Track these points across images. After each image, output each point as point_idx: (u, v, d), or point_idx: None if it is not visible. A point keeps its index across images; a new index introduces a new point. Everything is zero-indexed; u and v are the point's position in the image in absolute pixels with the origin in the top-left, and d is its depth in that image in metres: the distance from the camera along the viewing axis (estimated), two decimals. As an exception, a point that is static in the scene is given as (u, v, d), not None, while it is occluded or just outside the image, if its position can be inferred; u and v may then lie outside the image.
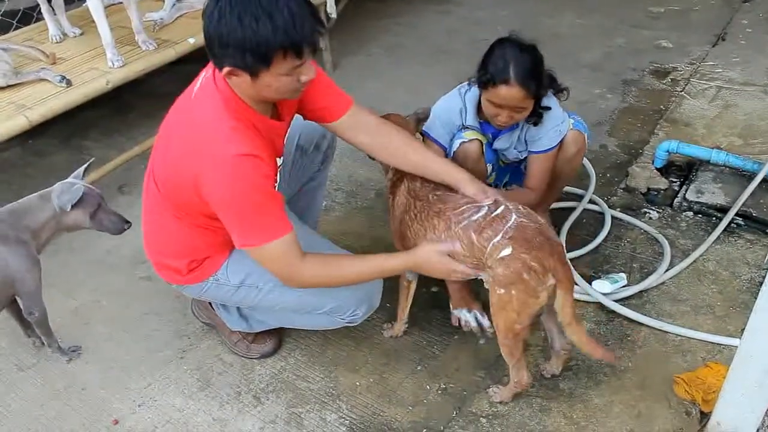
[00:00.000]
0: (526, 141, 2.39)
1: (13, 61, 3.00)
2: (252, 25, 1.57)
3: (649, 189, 3.00)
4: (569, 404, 2.07)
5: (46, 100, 2.78)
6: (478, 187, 1.97)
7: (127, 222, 2.25)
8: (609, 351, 1.93)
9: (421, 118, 2.34)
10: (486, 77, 2.15)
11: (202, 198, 1.75)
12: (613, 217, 2.80)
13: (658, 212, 2.85)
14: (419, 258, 1.91)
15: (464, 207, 1.93)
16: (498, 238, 1.85)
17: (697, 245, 2.61)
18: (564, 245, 2.59)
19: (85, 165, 2.30)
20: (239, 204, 1.72)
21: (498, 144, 2.42)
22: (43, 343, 2.35)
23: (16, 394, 2.27)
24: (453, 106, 2.38)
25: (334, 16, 3.95)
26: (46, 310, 2.25)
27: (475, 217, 1.90)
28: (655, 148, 3.11)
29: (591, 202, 2.90)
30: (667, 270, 2.50)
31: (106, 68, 3.00)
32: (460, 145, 2.35)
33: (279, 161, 1.93)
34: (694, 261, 2.54)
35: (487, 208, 1.91)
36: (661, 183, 3.01)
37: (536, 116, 2.29)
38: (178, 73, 4.09)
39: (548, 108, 2.29)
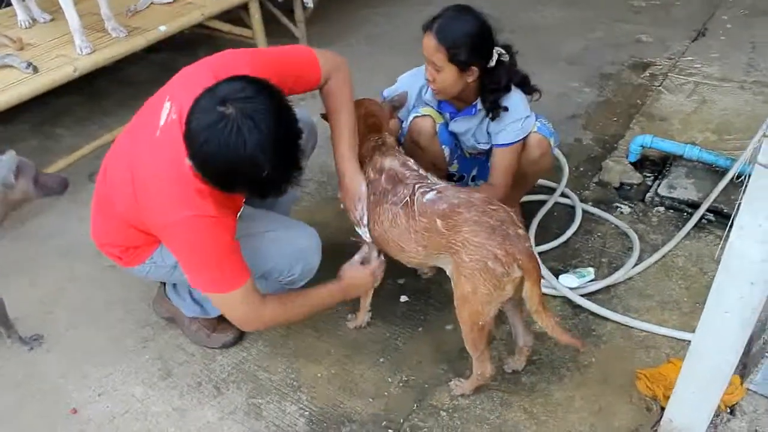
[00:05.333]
0: (488, 133, 2.37)
1: (-20, 46, 2.96)
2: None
3: (622, 183, 2.98)
4: (530, 398, 2.06)
5: (12, 87, 2.74)
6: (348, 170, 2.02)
7: (66, 178, 2.26)
8: (576, 337, 1.92)
9: (396, 105, 2.31)
10: (423, 27, 2.21)
11: (154, 235, 1.87)
12: (584, 211, 2.79)
13: (630, 207, 2.84)
14: (347, 284, 2.04)
15: (423, 190, 1.93)
16: (463, 223, 1.83)
17: (667, 241, 2.60)
18: (532, 237, 2.62)
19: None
20: (197, 261, 1.81)
21: (454, 126, 2.41)
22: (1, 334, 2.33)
23: (-25, 382, 2.24)
24: (414, 83, 2.41)
25: (310, 5, 3.92)
26: (3, 301, 2.22)
27: (437, 205, 1.89)
28: (630, 143, 3.09)
29: (563, 195, 2.89)
30: (635, 265, 2.49)
31: (74, 55, 2.95)
32: (413, 119, 2.35)
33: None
34: (663, 256, 2.53)
35: (443, 193, 1.91)
36: (635, 177, 3.00)
37: (491, 108, 2.29)
38: (153, 61, 4.08)
39: (504, 108, 2.29)
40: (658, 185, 2.90)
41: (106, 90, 3.92)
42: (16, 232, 2.88)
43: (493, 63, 2.21)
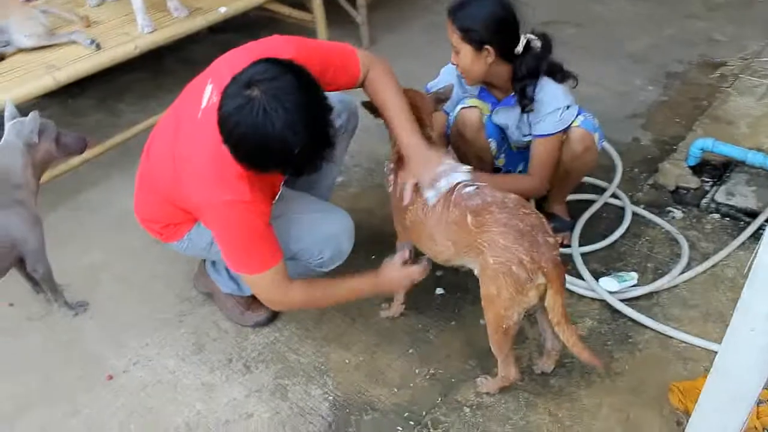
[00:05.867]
0: (529, 123, 2.32)
1: (50, 23, 3.08)
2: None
3: (678, 187, 2.87)
4: (556, 402, 2.01)
5: (75, 62, 2.84)
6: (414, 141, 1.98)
7: (85, 137, 2.36)
8: (596, 357, 1.86)
9: (442, 98, 2.29)
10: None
11: (191, 213, 1.96)
12: (634, 214, 2.70)
13: (683, 212, 2.73)
14: (381, 281, 2.01)
15: (460, 188, 1.91)
16: (493, 223, 1.81)
17: (719, 249, 2.49)
18: (576, 237, 2.55)
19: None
20: (230, 242, 1.87)
21: (496, 118, 2.37)
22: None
23: (24, 342, 2.36)
24: (452, 73, 2.39)
25: (372, -9, 3.90)
26: (50, 267, 2.31)
27: (471, 201, 1.87)
28: (690, 145, 2.96)
29: (613, 195, 2.80)
30: (682, 272, 2.39)
31: (136, 33, 3.04)
32: (460, 110, 2.33)
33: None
34: (713, 266, 2.42)
35: (480, 189, 1.89)
36: (692, 182, 2.88)
37: (520, 97, 2.26)
38: (216, 41, 4.16)
39: (531, 99, 2.25)
40: (716, 191, 2.77)
41: (169, 68, 4.03)
42: (73, 202, 3.00)
43: (520, 49, 2.19)
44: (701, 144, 2.89)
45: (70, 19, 3.18)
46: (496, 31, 2.16)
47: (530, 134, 2.35)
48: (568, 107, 2.27)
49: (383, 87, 2.05)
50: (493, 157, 2.50)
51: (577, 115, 2.31)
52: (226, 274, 2.29)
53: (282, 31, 2.00)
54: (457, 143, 2.43)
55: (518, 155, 2.54)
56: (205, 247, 2.10)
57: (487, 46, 2.16)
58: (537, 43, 2.24)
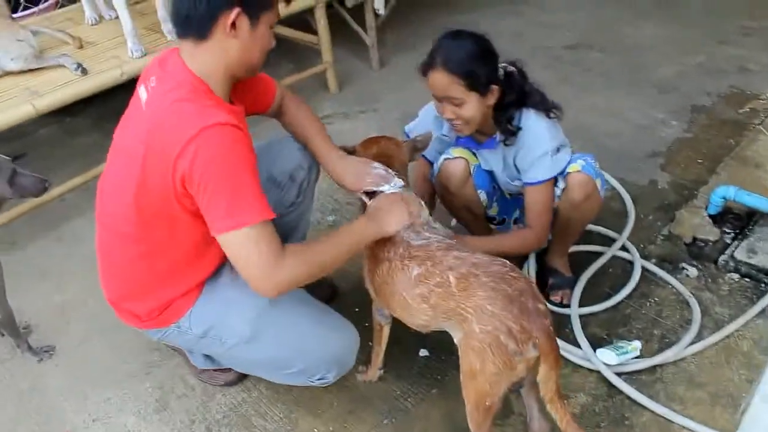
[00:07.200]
0: (516, 167, 2.13)
1: (41, 44, 2.98)
2: None
3: (695, 239, 2.63)
4: (539, 492, 1.82)
5: (58, 89, 2.74)
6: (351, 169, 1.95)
7: (46, 180, 2.16)
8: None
9: (419, 147, 2.11)
10: (422, 69, 2.00)
11: (185, 187, 1.58)
12: (643, 269, 2.48)
13: (698, 269, 2.50)
14: (374, 211, 1.83)
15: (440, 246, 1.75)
16: (478, 287, 1.63)
17: (735, 317, 2.26)
18: (577, 295, 2.35)
19: None
20: (228, 176, 1.56)
21: (483, 162, 2.18)
22: (19, 343, 2.32)
23: (-17, 388, 2.25)
24: (431, 114, 2.21)
25: (381, 12, 3.73)
26: (11, 313, 2.20)
27: (454, 261, 1.70)
28: (711, 192, 2.72)
29: (622, 248, 2.58)
30: (691, 343, 2.17)
31: (126, 58, 2.92)
32: (443, 161, 2.15)
33: None
34: (727, 337, 2.20)
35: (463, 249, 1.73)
36: (711, 233, 2.64)
37: (506, 132, 2.06)
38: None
39: (518, 128, 2.05)
40: (736, 246, 2.53)
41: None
42: (56, 232, 2.90)
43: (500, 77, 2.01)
44: (723, 192, 2.66)
45: (61, 39, 3.08)
46: (494, 67, 1.99)
47: (518, 179, 2.16)
48: (558, 149, 2.07)
49: (300, 113, 2.02)
50: (485, 207, 2.31)
51: (576, 159, 2.11)
52: (201, 355, 2.12)
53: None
54: (443, 195, 2.25)
55: (512, 202, 2.36)
56: (192, 338, 1.88)
57: (493, 86, 1.98)
58: (513, 70, 2.06)
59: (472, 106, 1.98)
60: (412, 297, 1.76)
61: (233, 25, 1.60)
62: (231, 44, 1.63)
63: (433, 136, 2.11)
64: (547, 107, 2.06)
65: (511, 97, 2.03)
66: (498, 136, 2.10)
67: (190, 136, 1.53)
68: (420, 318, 1.80)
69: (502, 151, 2.14)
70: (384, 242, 1.82)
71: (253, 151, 1.65)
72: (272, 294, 1.66)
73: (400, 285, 1.78)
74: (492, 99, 2.00)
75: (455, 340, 1.72)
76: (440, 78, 1.94)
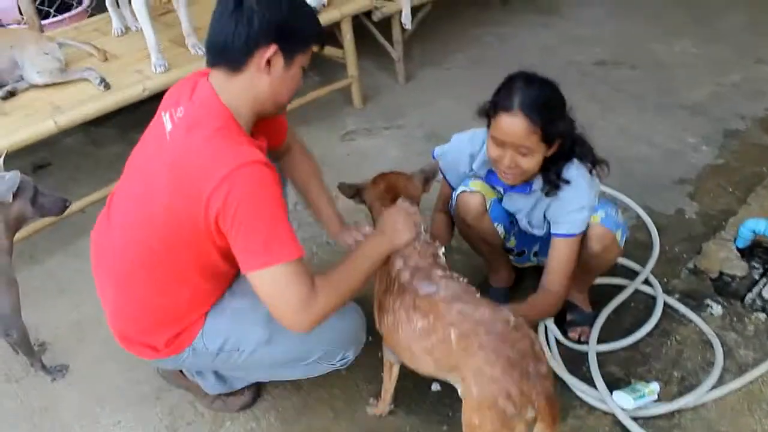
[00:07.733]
0: (546, 217, 2.08)
1: (67, 56, 3.00)
2: (296, 8, 1.65)
3: (721, 274, 2.55)
4: None
5: (81, 104, 2.74)
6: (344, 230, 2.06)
7: (67, 199, 2.19)
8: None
9: (429, 177, 2.07)
10: (488, 107, 1.90)
11: (218, 224, 1.58)
12: (666, 305, 2.40)
13: (724, 307, 2.41)
14: (385, 225, 1.85)
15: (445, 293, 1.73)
16: (479, 348, 1.60)
17: (761, 361, 2.18)
18: (596, 330, 2.29)
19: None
20: (263, 213, 1.56)
21: (507, 204, 2.13)
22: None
23: (-4, 405, 2.27)
24: (464, 148, 2.15)
25: (408, 27, 3.68)
26: (26, 331, 2.21)
27: (457, 317, 1.67)
28: (740, 224, 2.63)
29: (645, 282, 2.51)
30: (712, 388, 2.10)
31: (149, 72, 2.92)
32: (460, 193, 2.11)
33: None
34: (751, 382, 2.12)
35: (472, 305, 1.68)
36: (738, 268, 2.55)
37: (552, 183, 1.98)
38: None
39: (566, 181, 1.97)
40: (765, 284, 2.44)
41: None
42: (75, 248, 2.90)
43: None
44: (753, 225, 2.57)
45: (86, 52, 3.09)
46: (566, 120, 1.91)
47: (540, 227, 2.11)
48: (590, 204, 2.01)
49: (307, 165, 2.11)
50: (503, 239, 2.26)
51: (597, 209, 2.04)
52: (212, 376, 2.10)
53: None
54: (461, 226, 2.21)
55: (530, 237, 2.29)
56: (209, 356, 1.87)
57: (559, 139, 1.90)
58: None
59: (536, 159, 1.89)
60: (417, 349, 1.75)
61: (268, 62, 1.61)
62: (263, 80, 1.64)
63: (460, 162, 2.11)
64: (593, 161, 1.99)
65: (564, 148, 1.95)
66: (536, 183, 2.01)
67: (224, 174, 1.53)
68: (425, 368, 1.79)
69: (535, 198, 2.08)
70: (392, 291, 1.80)
71: (281, 188, 1.64)
72: (307, 329, 1.66)
73: (405, 336, 1.77)
74: (551, 151, 1.92)
75: (459, 392, 1.69)
76: (518, 124, 1.82)
